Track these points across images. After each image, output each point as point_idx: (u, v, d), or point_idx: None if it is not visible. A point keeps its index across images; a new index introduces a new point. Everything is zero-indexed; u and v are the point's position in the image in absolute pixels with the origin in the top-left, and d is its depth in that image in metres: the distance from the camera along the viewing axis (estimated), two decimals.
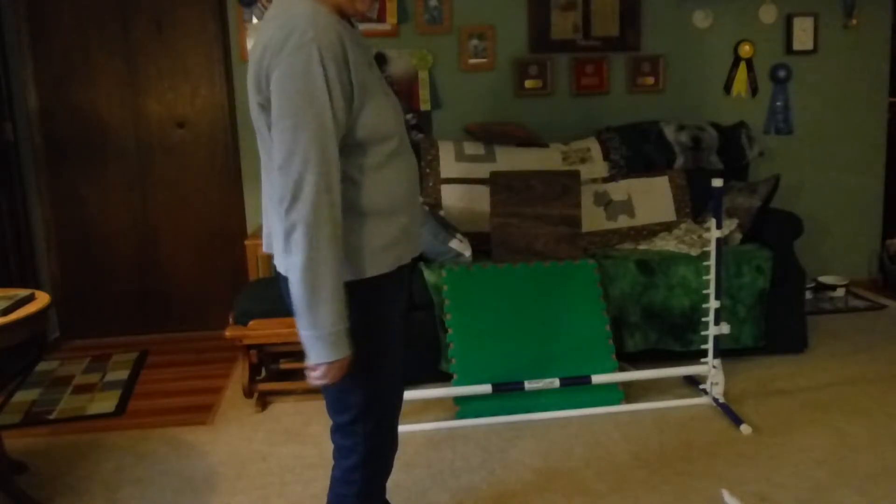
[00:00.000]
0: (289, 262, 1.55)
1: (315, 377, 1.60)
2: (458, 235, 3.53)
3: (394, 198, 1.68)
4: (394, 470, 1.98)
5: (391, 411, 1.87)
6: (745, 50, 4.48)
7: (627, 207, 4.01)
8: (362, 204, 1.64)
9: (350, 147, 1.61)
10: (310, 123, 1.51)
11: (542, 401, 3.14)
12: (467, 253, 3.51)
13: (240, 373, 3.56)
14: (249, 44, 4.21)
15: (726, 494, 2.47)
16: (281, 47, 1.51)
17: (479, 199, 3.85)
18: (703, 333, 3.24)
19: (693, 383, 3.41)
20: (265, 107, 1.57)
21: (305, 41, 1.50)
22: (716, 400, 3.20)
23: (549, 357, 3.20)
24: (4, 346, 2.42)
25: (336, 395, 1.74)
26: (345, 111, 1.55)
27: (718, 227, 3.08)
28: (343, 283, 1.58)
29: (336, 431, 1.81)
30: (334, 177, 1.54)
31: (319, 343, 1.56)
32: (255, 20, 4.19)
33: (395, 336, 1.79)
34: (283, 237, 1.54)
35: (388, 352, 1.75)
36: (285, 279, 1.64)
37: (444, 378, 3.27)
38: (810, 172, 4.66)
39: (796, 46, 4.52)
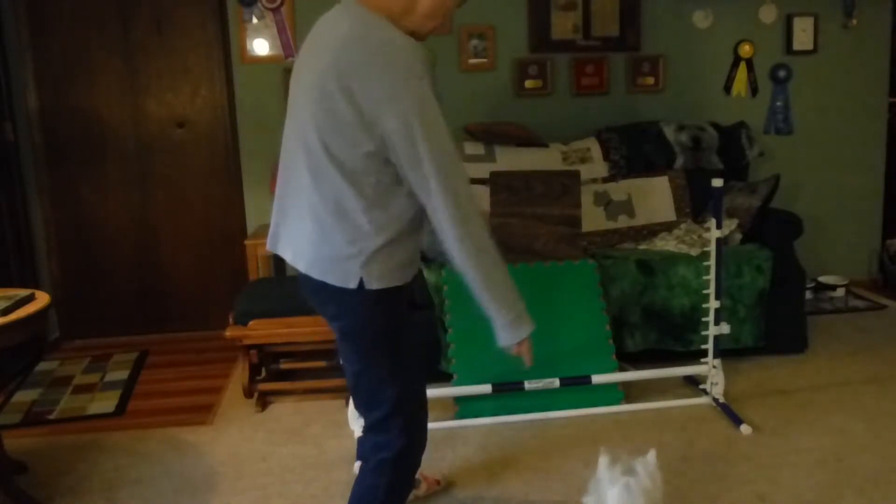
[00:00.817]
0: (470, 270, 1.73)
1: (521, 353, 1.84)
2: None
3: (417, 220, 1.81)
4: None
5: (422, 406, 1.97)
6: (745, 50, 4.48)
7: (627, 207, 4.01)
8: (403, 226, 1.77)
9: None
10: (448, 147, 1.66)
11: (542, 401, 3.14)
12: None
13: (240, 373, 3.56)
14: (249, 44, 4.22)
15: (602, 460, 2.08)
16: (393, 78, 1.61)
17: (479, 199, 3.85)
18: (703, 333, 3.24)
19: (693, 383, 3.41)
20: (348, 121, 1.63)
21: (418, 71, 1.62)
22: (716, 400, 3.20)
23: (549, 357, 3.19)
24: (4, 346, 2.42)
25: (371, 390, 1.86)
26: None
27: (718, 227, 3.08)
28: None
29: (371, 429, 1.91)
30: (465, 187, 1.71)
31: (518, 321, 1.79)
32: (254, 20, 4.19)
33: (412, 336, 1.93)
34: (455, 247, 1.70)
35: (412, 349, 1.90)
36: (313, 281, 1.77)
37: (444, 378, 3.27)
38: (810, 172, 4.66)
39: (796, 46, 4.52)
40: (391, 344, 1.82)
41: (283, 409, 3.36)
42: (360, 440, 2.11)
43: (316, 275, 1.76)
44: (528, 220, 3.56)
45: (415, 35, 1.74)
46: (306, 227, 1.76)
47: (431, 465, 2.78)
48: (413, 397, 1.92)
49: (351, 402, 2.93)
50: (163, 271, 4.42)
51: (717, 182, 3.07)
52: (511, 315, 1.78)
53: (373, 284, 1.73)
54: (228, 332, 3.30)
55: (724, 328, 3.16)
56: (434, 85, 1.67)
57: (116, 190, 4.32)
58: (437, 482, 2.60)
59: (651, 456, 2.03)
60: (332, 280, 1.74)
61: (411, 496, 2.47)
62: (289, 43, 4.22)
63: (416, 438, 1.92)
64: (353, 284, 1.72)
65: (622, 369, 3.32)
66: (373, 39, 1.64)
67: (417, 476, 2.53)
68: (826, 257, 4.72)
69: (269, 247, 1.92)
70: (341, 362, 1.93)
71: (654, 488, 1.97)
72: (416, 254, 1.86)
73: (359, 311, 1.77)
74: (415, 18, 1.74)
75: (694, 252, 3.60)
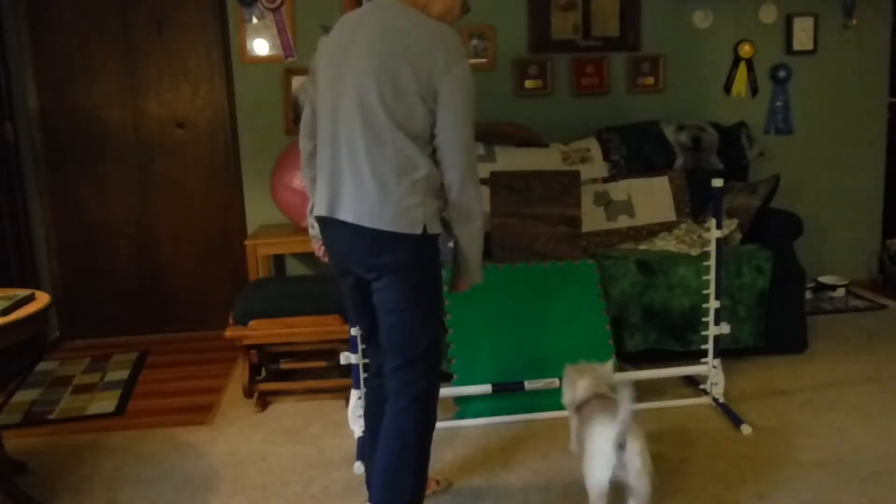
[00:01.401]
0: (462, 226, 2.10)
1: (464, 289, 2.26)
2: None
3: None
4: None
5: (442, 355, 2.27)
6: (745, 50, 4.48)
7: (627, 207, 4.01)
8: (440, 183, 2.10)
9: None
10: (473, 122, 2.03)
11: (542, 401, 3.14)
12: None
13: (240, 373, 3.56)
14: (249, 44, 4.22)
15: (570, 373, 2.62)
16: (449, 59, 1.95)
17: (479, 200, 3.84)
18: (703, 333, 3.24)
19: (693, 383, 3.41)
20: (420, 94, 1.95)
21: (463, 55, 2.00)
22: (716, 400, 3.20)
23: (550, 357, 3.19)
24: (4, 346, 2.42)
25: (415, 328, 2.08)
26: None
27: (718, 227, 3.08)
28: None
29: (402, 367, 2.10)
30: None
31: (481, 269, 2.22)
32: (254, 20, 4.19)
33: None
34: (459, 201, 2.05)
35: (442, 302, 2.22)
36: (373, 231, 2.01)
37: (443, 378, 3.26)
38: (810, 172, 4.66)
39: (796, 46, 4.52)
40: (437, 286, 2.13)
41: (283, 409, 3.36)
42: (361, 439, 2.15)
43: (385, 226, 1.99)
44: (528, 220, 3.56)
45: None
46: (367, 187, 2.00)
47: (431, 464, 2.78)
48: (440, 344, 2.19)
49: (351, 402, 2.93)
50: (163, 271, 4.42)
51: (717, 182, 3.07)
52: (478, 268, 2.21)
53: (433, 229, 2.04)
54: (228, 332, 3.30)
55: (724, 328, 3.16)
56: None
57: (116, 190, 4.32)
58: (437, 482, 2.60)
59: (609, 363, 2.67)
60: (401, 228, 1.99)
61: None
62: (289, 43, 4.22)
63: (437, 383, 2.18)
64: (419, 230, 2.01)
65: (622, 369, 3.32)
66: (430, 26, 2.00)
67: None
68: (826, 257, 4.72)
69: (326, 212, 2.09)
70: (378, 303, 2.11)
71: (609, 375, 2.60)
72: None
73: (420, 254, 2.05)
74: (434, 13, 2.07)
75: (694, 252, 3.60)
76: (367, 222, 2.01)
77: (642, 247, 3.82)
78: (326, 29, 2.24)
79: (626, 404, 2.11)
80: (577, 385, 2.54)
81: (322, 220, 2.14)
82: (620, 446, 2.14)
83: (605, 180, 4.07)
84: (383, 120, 1.97)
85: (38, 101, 4.20)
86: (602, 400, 2.43)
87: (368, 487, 2.34)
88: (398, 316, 2.09)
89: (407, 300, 2.07)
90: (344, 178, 2.04)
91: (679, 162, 4.15)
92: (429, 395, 2.14)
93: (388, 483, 2.09)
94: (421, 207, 2.01)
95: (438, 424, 3.04)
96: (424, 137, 2.01)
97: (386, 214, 2.00)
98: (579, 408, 2.48)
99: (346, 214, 2.04)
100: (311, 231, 2.32)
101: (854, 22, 4.52)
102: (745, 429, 2.96)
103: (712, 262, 3.12)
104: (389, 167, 1.99)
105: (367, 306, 2.18)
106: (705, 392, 3.27)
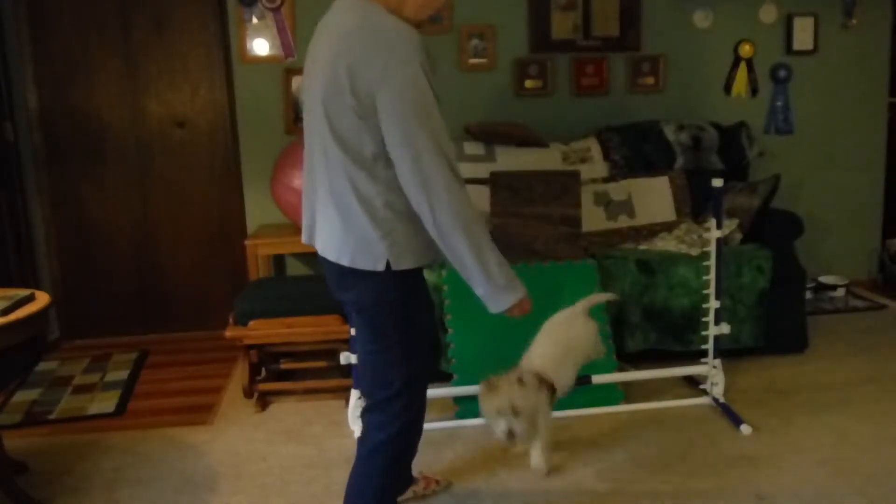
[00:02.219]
0: (448, 243, 1.78)
1: (517, 315, 1.92)
2: None
3: None
4: None
5: (423, 392, 2.04)
6: (745, 50, 4.48)
7: (627, 207, 4.01)
8: None
9: None
10: (431, 126, 1.72)
11: None
12: None
13: (240, 373, 3.56)
14: (249, 44, 4.22)
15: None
16: (387, 61, 1.69)
17: (479, 199, 3.84)
18: (703, 333, 3.24)
19: (693, 383, 3.41)
20: (356, 109, 1.72)
21: (412, 54, 1.70)
22: (716, 400, 3.20)
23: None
24: (4, 346, 2.42)
25: (382, 369, 1.92)
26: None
27: (718, 227, 3.08)
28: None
29: (373, 408, 1.97)
30: (457, 168, 1.77)
31: (503, 291, 1.84)
32: (254, 20, 4.19)
33: (431, 322, 2.02)
34: (433, 225, 1.75)
35: (427, 335, 1.97)
36: (338, 266, 1.84)
37: (444, 378, 3.27)
38: (810, 172, 4.66)
39: (796, 46, 4.52)
40: (408, 325, 1.91)
41: (283, 409, 3.36)
42: (360, 439, 2.12)
43: (346, 262, 1.83)
44: (528, 220, 3.56)
45: (412, 24, 1.82)
46: (331, 215, 1.84)
47: (431, 465, 2.78)
48: (420, 378, 2.00)
49: (351, 401, 2.94)
50: (163, 271, 4.42)
51: (717, 182, 3.07)
52: (501, 279, 1.85)
53: (399, 265, 1.82)
54: (228, 332, 3.30)
55: (724, 328, 3.16)
56: (430, 70, 1.74)
57: (116, 190, 4.32)
58: (437, 482, 2.60)
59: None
60: (361, 264, 1.81)
61: (410, 493, 2.48)
62: (289, 43, 4.21)
63: (414, 420, 2.01)
64: (381, 266, 1.80)
65: (622, 369, 3.32)
66: (373, 26, 1.74)
67: (416, 475, 2.53)
68: (826, 257, 4.72)
69: (305, 240, 1.99)
70: (353, 335, 2.03)
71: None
72: (429, 236, 1.89)
73: (383, 291, 1.85)
74: (410, 8, 1.83)
75: (694, 252, 3.60)
76: (331, 256, 1.87)
77: (642, 247, 3.82)
78: None
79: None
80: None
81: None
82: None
83: (605, 180, 4.07)
84: (333, 146, 1.79)
85: (38, 101, 4.20)
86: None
87: None
88: (367, 357, 1.97)
89: (375, 342, 1.91)
90: (317, 205, 1.91)
91: (679, 162, 4.15)
92: (393, 441, 1.97)
93: None
94: (384, 241, 1.79)
95: (438, 424, 3.07)
96: (382, 159, 1.78)
97: (346, 248, 1.83)
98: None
99: (319, 244, 1.93)
100: None
101: (854, 22, 4.52)
102: (745, 429, 2.96)
103: (712, 262, 3.12)
104: (350, 196, 1.79)
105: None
106: (705, 392, 3.27)
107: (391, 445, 1.97)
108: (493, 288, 1.83)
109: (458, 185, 1.76)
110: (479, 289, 1.83)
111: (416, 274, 1.90)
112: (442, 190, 1.73)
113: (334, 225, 1.84)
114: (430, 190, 1.73)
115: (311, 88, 1.86)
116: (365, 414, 2.01)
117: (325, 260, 1.91)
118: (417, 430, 2.07)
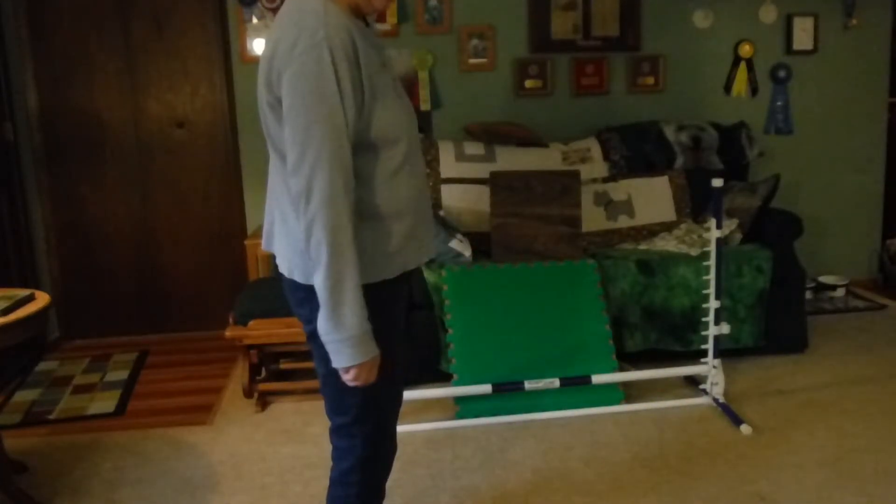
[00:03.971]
0: (309, 266, 1.55)
1: (349, 380, 1.60)
2: (459, 235, 3.53)
3: (403, 203, 1.66)
4: (394, 470, 1.98)
5: (390, 414, 1.85)
6: (745, 50, 4.48)
7: (627, 207, 4.01)
8: (372, 207, 1.62)
9: (361, 149, 1.58)
10: (323, 123, 1.49)
11: (542, 401, 3.14)
12: (467, 253, 3.51)
13: (240, 373, 3.56)
14: (249, 44, 4.22)
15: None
16: (292, 46, 1.50)
17: (479, 199, 3.85)
18: (703, 333, 3.24)
19: (693, 383, 3.41)
20: (274, 106, 1.56)
21: (317, 40, 1.49)
22: (716, 400, 3.20)
23: (549, 357, 3.20)
24: (4, 346, 2.42)
25: (336, 395, 1.72)
26: (355, 111, 1.53)
27: (718, 227, 3.08)
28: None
29: (334, 433, 1.80)
30: (349, 177, 1.53)
31: (347, 345, 1.54)
32: (254, 20, 4.19)
33: (396, 339, 1.76)
34: (303, 238, 1.53)
35: (389, 355, 1.68)
36: (289, 280, 1.66)
37: (444, 378, 3.27)
38: (810, 172, 4.66)
39: (796, 46, 4.51)
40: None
41: (283, 409, 3.36)
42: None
43: (286, 272, 1.67)
44: (528, 220, 3.56)
45: (360, 8, 1.64)
46: (276, 224, 1.70)
47: (431, 464, 2.79)
48: (383, 405, 1.78)
49: None
50: (163, 271, 4.42)
51: (717, 182, 3.07)
52: (352, 329, 1.54)
53: None
54: (228, 332, 3.30)
55: (724, 328, 3.16)
56: (352, 60, 1.53)
57: (116, 190, 4.32)
58: None
59: None
60: (298, 276, 1.63)
61: None
62: None
63: (380, 448, 1.81)
64: (312, 280, 1.56)
65: (622, 369, 3.32)
66: (298, 6, 1.57)
67: None
68: (826, 257, 4.72)
69: (264, 246, 1.84)
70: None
71: None
72: (406, 242, 1.67)
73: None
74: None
75: (694, 252, 3.60)
76: (282, 267, 1.69)
77: (642, 247, 3.82)
78: None
79: None
80: None
81: None
82: None
83: (605, 180, 4.07)
84: (269, 147, 1.65)
85: (38, 101, 4.20)
86: None
87: None
88: (321, 380, 1.74)
89: (325, 364, 1.63)
90: (270, 211, 1.77)
91: (679, 162, 4.15)
92: (359, 469, 1.79)
93: None
94: None
95: (438, 425, 3.07)
96: None
97: (289, 257, 1.65)
98: None
99: (274, 250, 1.77)
100: None
101: (854, 22, 4.52)
102: (745, 429, 2.96)
103: (712, 262, 3.12)
104: (285, 200, 1.62)
105: None
106: (705, 392, 3.27)
107: (359, 473, 1.79)
108: (339, 333, 1.53)
109: (342, 201, 1.50)
110: (323, 325, 1.53)
111: (373, 288, 1.61)
112: (320, 201, 1.49)
113: (280, 232, 1.68)
114: (309, 197, 1.49)
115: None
116: (330, 437, 1.83)
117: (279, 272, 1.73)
118: (384, 458, 1.86)
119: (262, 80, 1.59)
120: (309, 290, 1.58)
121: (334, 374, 1.63)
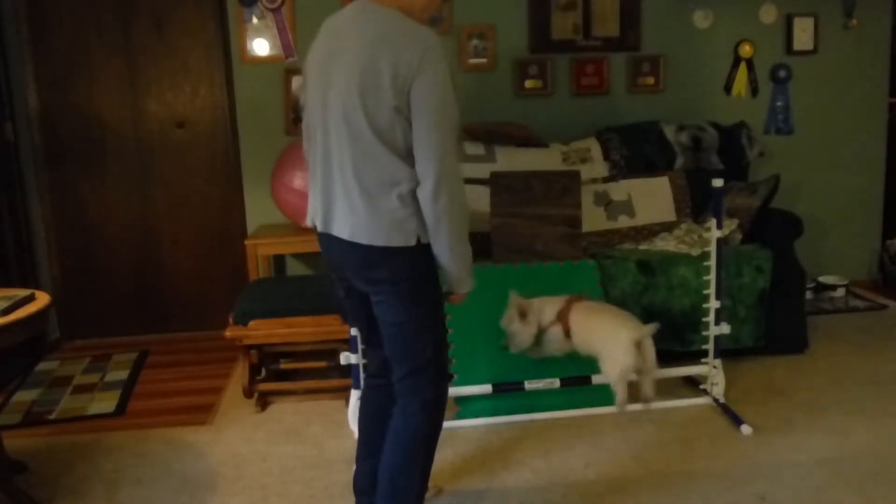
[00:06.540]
0: (409, 231, 1.98)
1: (457, 302, 2.19)
2: None
3: None
4: None
5: (447, 358, 2.25)
6: (745, 50, 4.48)
7: (627, 207, 4.01)
8: None
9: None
10: (450, 126, 1.95)
11: (542, 401, 3.14)
12: None
13: (240, 373, 3.56)
14: (249, 44, 4.21)
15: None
16: (423, 56, 1.90)
17: (479, 199, 3.84)
18: (703, 333, 3.24)
19: (693, 383, 3.41)
20: (395, 105, 1.91)
21: (440, 55, 1.92)
22: (716, 400, 3.20)
23: (550, 357, 3.19)
24: (4, 346, 2.42)
25: (414, 338, 2.09)
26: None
27: (719, 227, 3.08)
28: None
29: (409, 375, 2.11)
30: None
31: (471, 275, 2.11)
32: (254, 20, 4.19)
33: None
34: (442, 205, 1.95)
35: (442, 304, 2.16)
36: (367, 247, 2.00)
37: None
38: (810, 172, 4.66)
39: (796, 46, 4.52)
40: (436, 292, 2.11)
41: (283, 409, 3.36)
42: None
43: (379, 241, 1.98)
44: (528, 220, 3.56)
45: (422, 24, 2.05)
46: (358, 203, 1.98)
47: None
48: (446, 346, 2.20)
49: (351, 401, 2.93)
50: (163, 271, 4.42)
51: (718, 182, 3.07)
52: (464, 278, 2.11)
53: (427, 238, 2.01)
54: (228, 332, 3.30)
55: (725, 328, 3.16)
56: (450, 66, 1.97)
57: (116, 190, 4.32)
58: (427, 488, 2.54)
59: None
60: (395, 241, 1.98)
61: None
62: (289, 43, 4.21)
63: (445, 387, 2.19)
64: (413, 242, 1.99)
65: None
66: (408, 28, 1.97)
67: None
68: (826, 257, 4.72)
69: (321, 228, 2.10)
70: (353, 335, 2.14)
71: None
72: None
73: (415, 265, 2.03)
74: (417, 10, 2.06)
75: (694, 252, 3.60)
76: (360, 238, 2.01)
77: (642, 247, 3.82)
78: None
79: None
80: (544, 310, 3.06)
81: (317, 232, 2.14)
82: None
83: (605, 180, 4.07)
84: (368, 135, 1.95)
85: (38, 101, 4.20)
86: (588, 308, 3.02)
87: (355, 487, 2.33)
88: (398, 329, 2.09)
89: (406, 312, 2.07)
90: (337, 193, 2.04)
91: (679, 162, 4.15)
92: (437, 399, 2.16)
93: (394, 481, 2.11)
94: (414, 218, 1.99)
95: None
96: (408, 149, 1.98)
97: (379, 229, 1.99)
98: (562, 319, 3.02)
99: (341, 231, 2.04)
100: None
101: (854, 22, 4.52)
102: (745, 429, 2.96)
103: (712, 262, 3.12)
104: (377, 182, 1.97)
105: (363, 310, 2.19)
106: (705, 392, 3.27)
107: (436, 406, 2.14)
108: (468, 268, 2.09)
109: (459, 177, 2.01)
110: (454, 264, 2.06)
111: (431, 250, 2.08)
112: (451, 177, 1.96)
113: (361, 210, 1.98)
114: (441, 176, 1.93)
115: (329, 89, 2.00)
116: (399, 382, 2.13)
117: (349, 244, 2.02)
118: (445, 404, 2.21)
119: (374, 84, 1.91)
120: (392, 253, 1.99)
121: (414, 319, 2.06)
